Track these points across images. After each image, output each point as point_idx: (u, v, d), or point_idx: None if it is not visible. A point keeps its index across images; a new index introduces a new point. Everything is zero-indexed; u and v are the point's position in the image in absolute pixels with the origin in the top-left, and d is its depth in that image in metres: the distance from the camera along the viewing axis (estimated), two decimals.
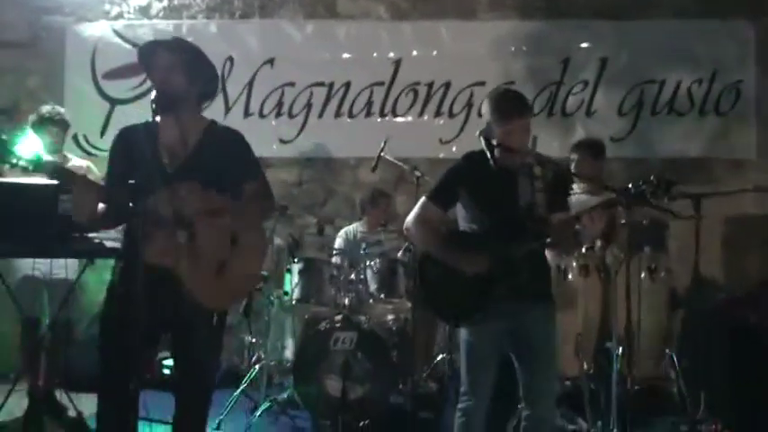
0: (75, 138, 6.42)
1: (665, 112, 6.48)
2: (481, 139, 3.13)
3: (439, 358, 5.45)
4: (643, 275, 4.71)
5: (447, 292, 3.28)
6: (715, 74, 6.46)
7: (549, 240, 3.29)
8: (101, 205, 2.96)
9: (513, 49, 6.56)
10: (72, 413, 4.56)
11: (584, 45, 6.55)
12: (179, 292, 2.87)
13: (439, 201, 3.34)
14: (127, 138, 3.11)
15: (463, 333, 3.31)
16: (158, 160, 2.97)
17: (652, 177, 3.03)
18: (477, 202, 3.26)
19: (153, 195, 2.80)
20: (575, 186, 4.61)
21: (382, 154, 5.40)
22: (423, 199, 3.38)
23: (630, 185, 3.06)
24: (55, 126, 5.03)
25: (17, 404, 4.73)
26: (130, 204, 2.64)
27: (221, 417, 4.68)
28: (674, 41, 6.45)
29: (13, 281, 4.76)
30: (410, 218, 3.40)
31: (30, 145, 4.65)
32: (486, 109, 3.23)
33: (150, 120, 2.96)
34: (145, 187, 2.71)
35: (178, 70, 3.02)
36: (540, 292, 3.30)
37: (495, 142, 3.13)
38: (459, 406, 3.29)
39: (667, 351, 4.84)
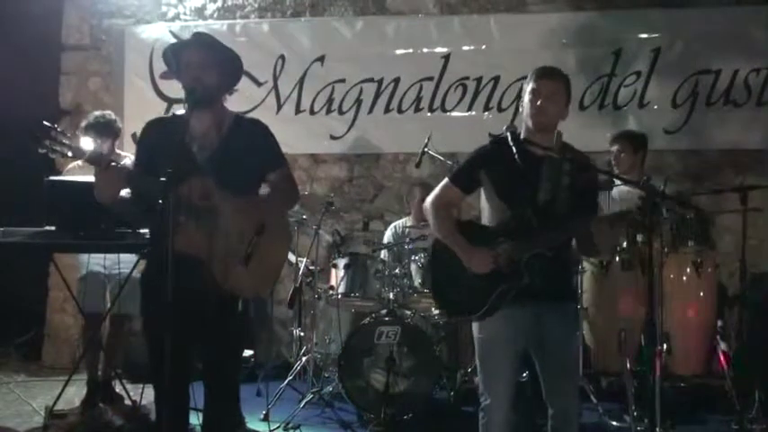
0: (135, 135, 6.64)
1: (722, 102, 6.27)
2: (507, 133, 3.11)
3: None
4: (689, 270, 4.62)
5: (455, 282, 3.19)
6: None
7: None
8: (125, 190, 3.06)
9: (563, 41, 6.45)
10: (128, 402, 4.77)
11: (636, 35, 6.39)
12: (206, 281, 2.96)
13: (460, 182, 3.26)
14: (154, 128, 3.22)
15: (474, 329, 3.22)
16: (189, 150, 3.05)
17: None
18: (498, 191, 3.16)
19: (183, 185, 2.89)
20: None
21: (426, 149, 5.43)
22: (445, 180, 3.32)
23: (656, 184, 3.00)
24: (101, 131, 4.86)
25: (77, 394, 4.99)
26: (159, 201, 2.73)
27: (268, 408, 4.76)
28: (730, 29, 6.24)
29: (83, 277, 4.98)
30: (429, 198, 3.33)
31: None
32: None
33: (177, 113, 3.07)
34: (175, 178, 2.78)
35: (210, 67, 3.08)
36: (558, 293, 3.17)
37: (521, 137, 3.11)
38: (481, 407, 3.20)
39: (718, 348, 4.73)
